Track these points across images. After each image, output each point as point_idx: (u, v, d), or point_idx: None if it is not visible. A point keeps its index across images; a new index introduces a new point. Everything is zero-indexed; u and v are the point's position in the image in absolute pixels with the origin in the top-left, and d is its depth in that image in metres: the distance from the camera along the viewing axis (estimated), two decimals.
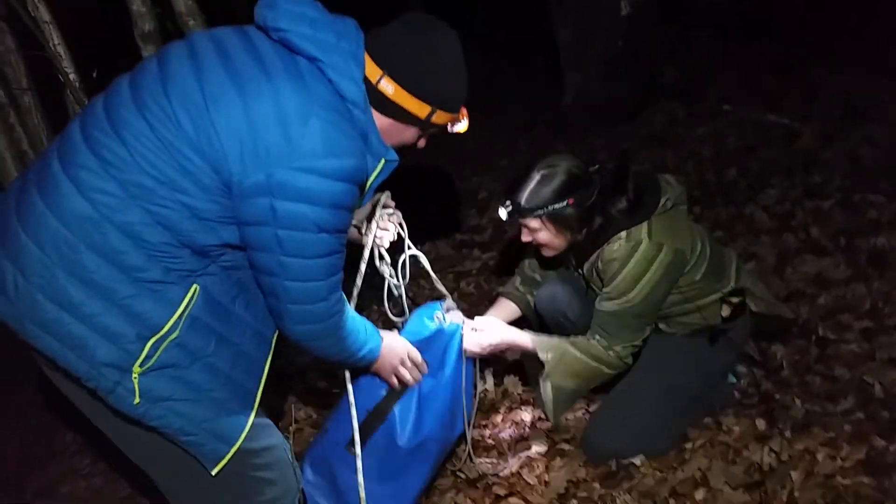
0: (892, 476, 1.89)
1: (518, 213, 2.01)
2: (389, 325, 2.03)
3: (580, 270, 2.23)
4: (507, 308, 2.48)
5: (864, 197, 3.14)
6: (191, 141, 1.34)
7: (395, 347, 1.88)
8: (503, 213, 2.04)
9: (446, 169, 4.51)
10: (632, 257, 1.98)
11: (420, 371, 1.94)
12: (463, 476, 2.24)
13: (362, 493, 1.90)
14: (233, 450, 1.53)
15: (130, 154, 1.35)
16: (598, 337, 2.11)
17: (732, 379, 2.30)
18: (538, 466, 2.21)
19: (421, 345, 1.97)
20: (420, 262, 2.09)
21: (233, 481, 1.58)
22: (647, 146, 4.26)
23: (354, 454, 1.90)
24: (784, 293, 2.67)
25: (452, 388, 2.04)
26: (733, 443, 2.11)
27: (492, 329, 2.15)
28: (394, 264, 2.02)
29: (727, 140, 4.04)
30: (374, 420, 1.97)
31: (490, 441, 2.37)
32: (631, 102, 4.65)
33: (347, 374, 1.90)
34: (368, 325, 1.76)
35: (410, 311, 2.11)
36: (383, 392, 1.97)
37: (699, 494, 1.98)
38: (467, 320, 2.18)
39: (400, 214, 1.96)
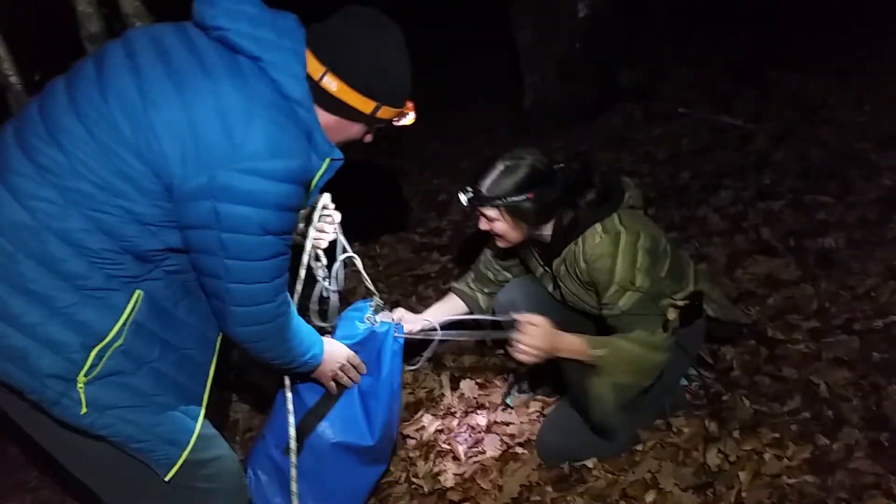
0: (835, 474, 1.93)
1: (477, 200, 2.00)
2: (320, 331, 2.01)
3: (548, 268, 2.20)
4: (453, 304, 2.47)
5: (813, 198, 3.20)
6: (130, 144, 1.31)
7: (334, 352, 1.87)
8: (463, 199, 2.02)
9: (406, 170, 4.51)
10: (618, 248, 1.94)
11: (359, 373, 1.95)
12: (417, 483, 2.24)
13: (295, 502, 1.91)
14: (185, 453, 1.51)
15: (68, 159, 1.31)
16: (635, 332, 1.96)
17: (684, 381, 2.33)
18: (492, 471, 2.22)
19: (355, 348, 1.97)
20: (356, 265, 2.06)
21: (180, 494, 1.56)
22: (604, 147, 4.30)
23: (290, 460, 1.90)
24: (735, 294, 2.71)
25: (391, 388, 2.03)
26: (683, 444, 2.14)
27: (544, 335, 1.91)
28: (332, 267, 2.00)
29: (682, 142, 4.10)
30: (312, 419, 1.98)
31: (446, 446, 2.36)
32: (589, 103, 4.70)
33: (287, 379, 1.90)
34: (312, 330, 1.76)
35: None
36: (318, 395, 1.98)
37: (650, 496, 2.00)
38: (395, 314, 2.21)
39: (338, 216, 1.94)
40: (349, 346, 1.95)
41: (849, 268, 2.71)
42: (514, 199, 1.95)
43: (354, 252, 2.01)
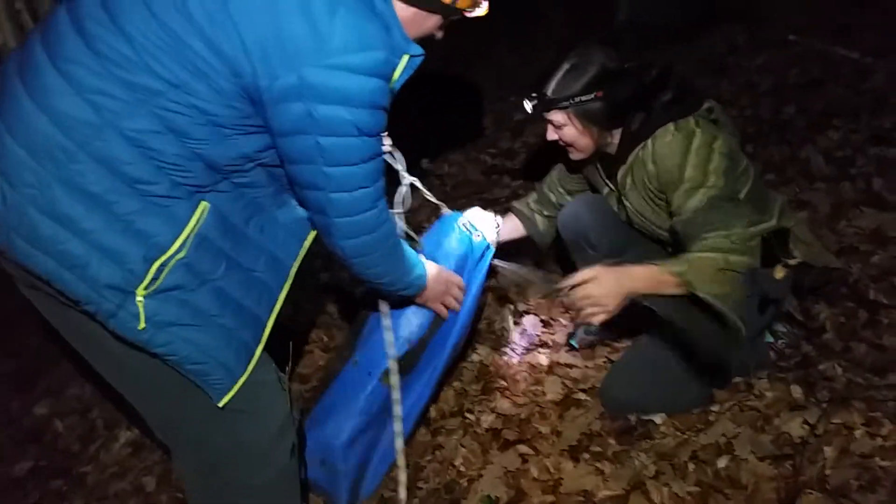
0: None
1: (542, 105, 1.84)
2: None
3: (612, 183, 2.02)
4: (512, 225, 2.34)
5: None
6: (206, 38, 1.21)
7: (440, 275, 1.84)
8: (528, 106, 1.87)
9: (481, 86, 4.25)
10: (691, 145, 1.75)
11: (463, 295, 1.94)
12: (471, 419, 2.14)
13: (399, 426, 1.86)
14: (241, 380, 1.44)
15: (136, 52, 1.21)
16: (709, 236, 1.67)
17: (769, 338, 2.12)
18: (551, 415, 2.10)
19: (459, 263, 1.97)
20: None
21: (228, 419, 1.48)
22: (701, 73, 3.95)
23: (389, 385, 1.86)
24: (835, 248, 2.46)
25: (472, 306, 2.03)
26: (764, 409, 1.95)
27: (606, 282, 1.65)
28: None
29: (789, 73, 3.71)
30: (418, 351, 1.94)
31: (503, 383, 2.24)
32: (688, 23, 4.30)
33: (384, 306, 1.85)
34: (411, 250, 1.71)
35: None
36: (426, 322, 1.93)
37: (721, 462, 1.84)
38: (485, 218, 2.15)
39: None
40: (454, 262, 1.96)
41: None
42: (582, 98, 1.79)
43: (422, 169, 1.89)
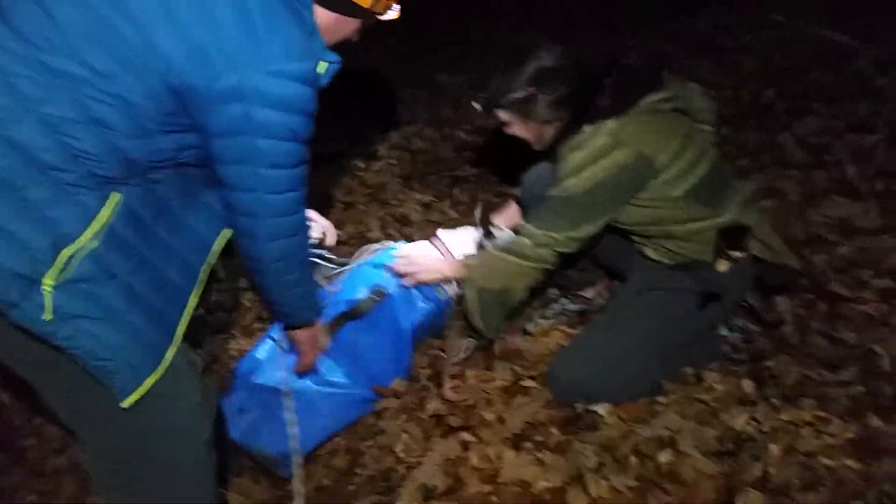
0: (881, 462, 1.69)
1: (486, 105, 1.91)
2: None
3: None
4: (512, 211, 2.37)
5: None
6: (142, 31, 1.19)
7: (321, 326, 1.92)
8: (477, 106, 1.95)
9: (461, 62, 4.16)
10: (584, 148, 1.82)
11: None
12: (416, 402, 2.08)
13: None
14: (147, 382, 1.38)
15: (63, 37, 1.18)
16: (528, 224, 1.94)
17: (725, 331, 2.07)
18: (497, 402, 2.04)
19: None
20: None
21: (135, 426, 1.43)
22: (685, 53, 3.86)
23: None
24: (802, 236, 2.40)
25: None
26: (712, 402, 1.90)
27: (422, 265, 2.16)
28: None
29: (774, 55, 3.63)
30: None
31: (451, 368, 2.18)
32: (673, 2, 4.21)
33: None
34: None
35: None
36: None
37: (664, 456, 1.79)
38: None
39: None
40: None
41: None
42: (516, 95, 1.83)
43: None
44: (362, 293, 2.10)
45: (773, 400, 1.87)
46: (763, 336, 2.08)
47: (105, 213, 1.27)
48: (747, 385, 1.93)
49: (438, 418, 2.03)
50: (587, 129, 1.83)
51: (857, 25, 3.67)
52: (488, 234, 2.28)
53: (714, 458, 1.76)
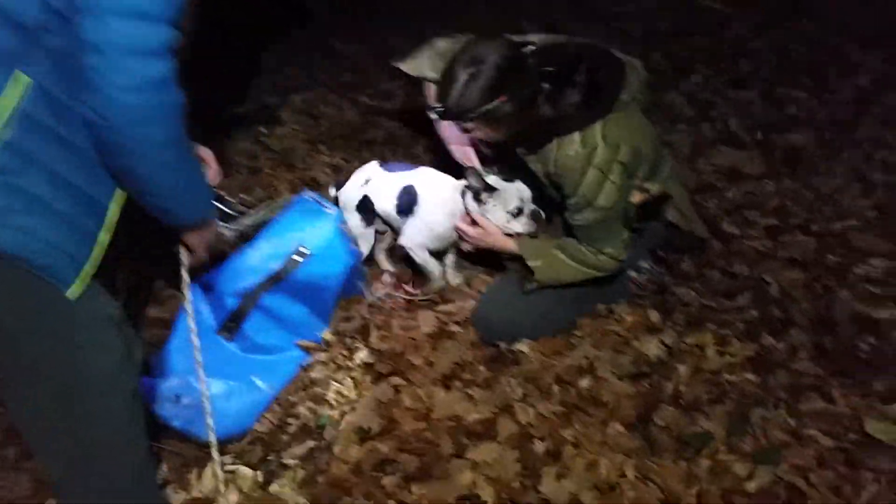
0: (776, 374, 1.88)
1: (449, 116, 1.84)
2: None
3: (528, 164, 2.05)
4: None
5: (787, 92, 3.05)
6: None
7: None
8: (434, 116, 1.88)
9: (360, 25, 4.14)
10: (590, 164, 1.82)
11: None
12: (344, 353, 2.11)
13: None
14: (87, 270, 1.32)
15: None
16: (581, 247, 1.97)
17: (633, 273, 2.21)
18: (425, 347, 2.10)
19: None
20: None
21: (64, 354, 1.37)
22: (573, 20, 4.01)
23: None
24: (693, 185, 2.58)
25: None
26: (624, 333, 2.05)
27: (489, 233, 2.08)
28: None
29: (657, 22, 3.84)
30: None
31: (377, 318, 2.22)
32: None
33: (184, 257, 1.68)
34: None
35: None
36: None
37: (584, 382, 1.92)
38: None
39: None
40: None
41: (814, 167, 2.60)
42: (487, 107, 1.76)
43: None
44: (283, 254, 2.07)
45: (679, 327, 2.03)
46: (665, 274, 2.24)
47: (12, 97, 1.18)
48: (654, 315, 2.08)
49: (368, 367, 2.07)
50: (577, 138, 1.84)
51: None
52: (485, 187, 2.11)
53: (630, 381, 1.90)
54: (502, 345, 2.06)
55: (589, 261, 1.96)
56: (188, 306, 1.72)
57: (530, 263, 1.99)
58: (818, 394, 1.81)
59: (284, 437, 1.93)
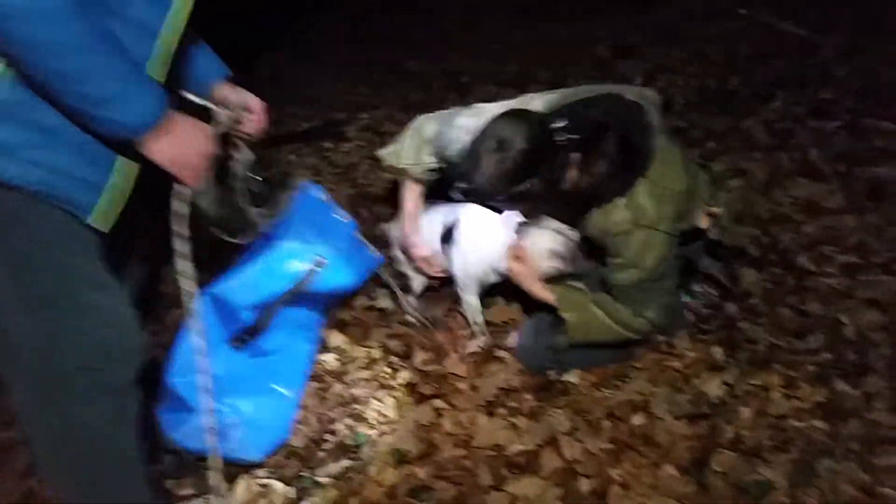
0: (847, 422, 1.72)
1: (477, 198, 1.82)
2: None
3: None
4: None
5: (873, 122, 2.85)
6: None
7: (195, 129, 1.38)
8: (458, 195, 1.84)
9: (423, 41, 4.14)
10: (639, 225, 1.71)
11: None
12: (388, 372, 2.06)
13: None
14: (107, 194, 1.29)
15: None
16: (620, 307, 1.83)
17: (686, 297, 2.08)
18: (470, 371, 2.03)
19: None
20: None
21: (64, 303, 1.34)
22: (653, 42, 3.91)
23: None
24: (768, 216, 2.43)
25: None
26: (683, 369, 1.93)
27: (529, 274, 1.94)
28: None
29: (739, 45, 3.70)
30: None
31: (424, 340, 2.16)
32: None
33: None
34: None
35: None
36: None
37: (637, 419, 1.81)
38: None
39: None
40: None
41: None
42: (516, 189, 1.68)
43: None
44: (303, 265, 1.93)
45: (743, 366, 1.90)
46: (732, 303, 2.10)
47: None
48: (717, 352, 1.95)
49: (411, 387, 2.01)
50: (621, 203, 1.72)
51: (814, 17, 3.76)
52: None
53: (687, 422, 1.78)
54: (552, 373, 1.97)
55: (625, 321, 1.81)
56: (195, 322, 1.59)
57: (565, 315, 1.85)
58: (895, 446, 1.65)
59: (321, 454, 1.88)
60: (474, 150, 1.71)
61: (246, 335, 1.86)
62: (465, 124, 1.90)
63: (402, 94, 3.95)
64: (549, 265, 1.93)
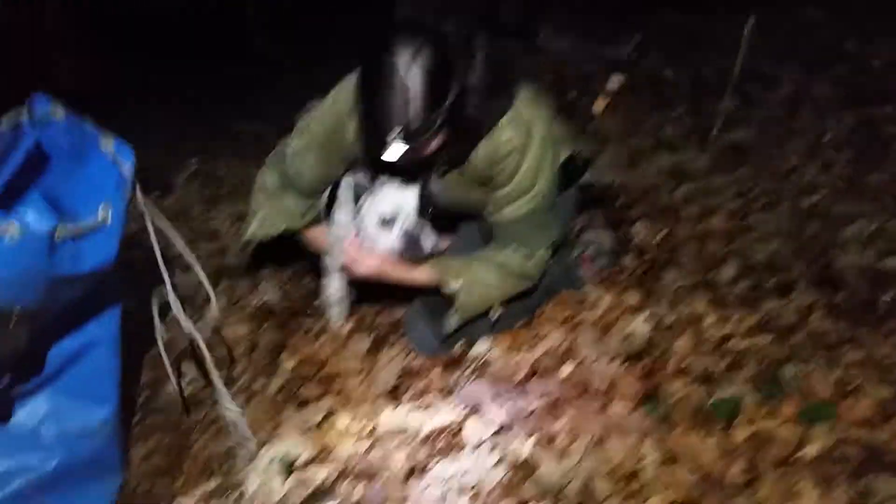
0: (794, 334, 1.57)
1: (413, 139, 1.35)
2: None
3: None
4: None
5: None
6: None
7: None
8: (395, 153, 1.36)
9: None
10: (530, 144, 1.46)
11: None
12: (258, 385, 1.65)
13: None
14: None
15: None
16: (513, 248, 1.57)
17: (578, 250, 1.87)
18: (361, 364, 1.67)
19: None
20: None
21: None
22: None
23: None
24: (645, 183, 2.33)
25: None
26: (602, 318, 1.68)
27: (377, 264, 1.62)
28: None
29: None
30: None
31: (293, 343, 1.78)
32: None
33: None
34: None
35: None
36: None
37: (567, 369, 1.53)
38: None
39: None
40: None
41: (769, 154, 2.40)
42: (447, 104, 1.34)
43: None
44: None
45: (665, 304, 1.70)
46: (631, 254, 1.93)
47: None
48: (632, 296, 1.74)
49: (289, 393, 1.61)
50: (504, 120, 1.46)
51: None
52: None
53: (621, 360, 1.54)
54: (457, 348, 1.66)
55: (517, 268, 1.57)
56: None
57: (451, 285, 1.57)
58: (851, 345, 1.49)
59: (177, 484, 1.42)
60: (395, 86, 1.33)
61: None
62: (295, 135, 1.63)
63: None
64: (387, 238, 1.65)
